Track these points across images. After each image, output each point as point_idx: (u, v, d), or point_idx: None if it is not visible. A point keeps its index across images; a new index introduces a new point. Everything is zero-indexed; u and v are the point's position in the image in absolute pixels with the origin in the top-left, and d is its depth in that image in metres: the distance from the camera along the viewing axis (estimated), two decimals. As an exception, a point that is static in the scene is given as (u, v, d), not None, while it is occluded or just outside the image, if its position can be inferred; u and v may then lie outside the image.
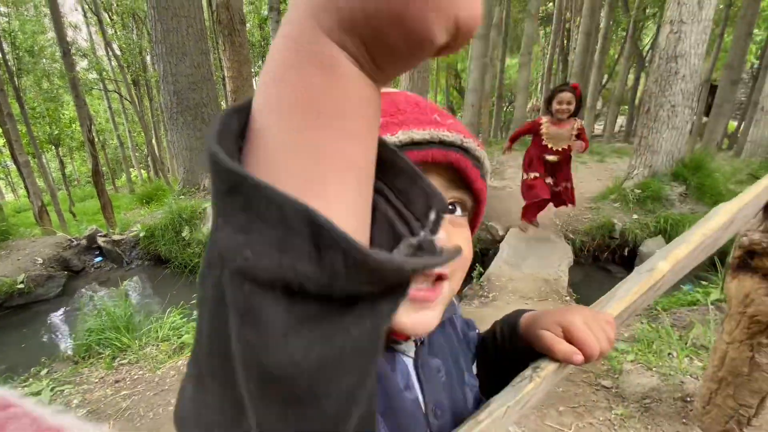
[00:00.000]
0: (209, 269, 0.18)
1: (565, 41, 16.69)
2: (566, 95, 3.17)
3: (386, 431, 0.36)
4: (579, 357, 0.42)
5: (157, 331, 2.63)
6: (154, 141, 17.43)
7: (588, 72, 12.98)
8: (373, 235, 0.21)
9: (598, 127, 19.27)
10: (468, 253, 0.40)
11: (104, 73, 16.04)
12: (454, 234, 0.39)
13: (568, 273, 3.41)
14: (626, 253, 4.31)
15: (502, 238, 4.25)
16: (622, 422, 1.54)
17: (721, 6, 11.49)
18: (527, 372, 0.43)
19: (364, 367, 0.19)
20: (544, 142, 3.38)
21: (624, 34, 14.70)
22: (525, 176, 3.69)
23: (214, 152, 0.16)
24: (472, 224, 0.44)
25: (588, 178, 6.81)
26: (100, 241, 4.57)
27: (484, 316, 2.66)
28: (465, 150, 0.37)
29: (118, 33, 13.84)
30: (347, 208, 0.18)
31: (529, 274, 3.32)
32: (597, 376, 1.84)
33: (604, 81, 16.03)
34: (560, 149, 3.38)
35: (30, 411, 0.26)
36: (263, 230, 0.15)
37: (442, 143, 0.36)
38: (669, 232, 4.06)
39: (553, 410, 1.66)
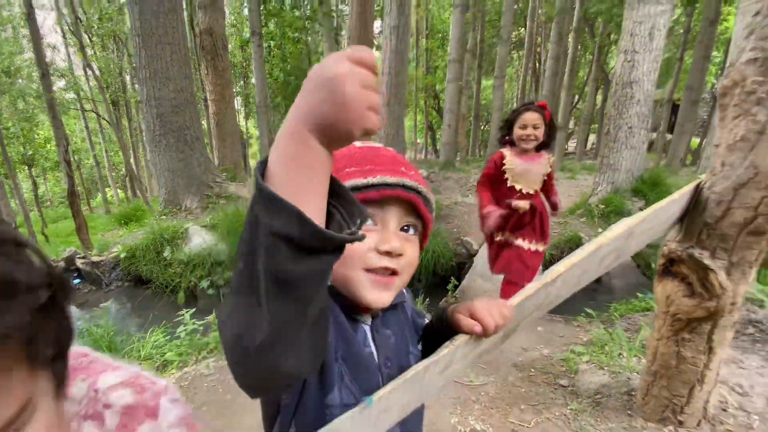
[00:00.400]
0: (247, 232, 0.37)
1: (537, 64, 17.53)
2: (531, 116, 2.27)
3: (347, 372, 0.54)
4: (477, 328, 0.57)
5: (139, 350, 2.67)
6: (132, 161, 17.21)
7: (558, 93, 13.66)
8: (331, 227, 0.40)
9: (572, 144, 20.09)
10: (415, 260, 0.60)
11: (82, 93, 15.88)
12: (407, 246, 0.58)
13: (538, 284, 3.61)
14: (593, 265, 4.57)
15: (476, 252, 4.45)
16: (576, 416, 1.70)
17: (681, 31, 12.34)
18: (446, 343, 0.59)
19: (320, 282, 0.39)
20: (509, 183, 2.40)
21: (591, 57, 15.58)
22: (497, 236, 2.58)
23: (268, 191, 0.34)
24: (421, 242, 0.63)
25: (560, 194, 7.17)
26: (79, 262, 4.55)
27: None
28: (419, 192, 0.58)
29: (98, 54, 13.81)
30: (314, 210, 0.36)
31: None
32: (555, 376, 2.00)
33: (574, 102, 16.85)
34: (533, 191, 2.39)
35: (101, 357, 0.40)
36: (284, 217, 0.34)
37: (405, 186, 0.56)
38: (631, 244, 4.34)
39: (516, 408, 1.81)
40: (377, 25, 8.72)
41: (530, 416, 1.74)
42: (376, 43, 9.08)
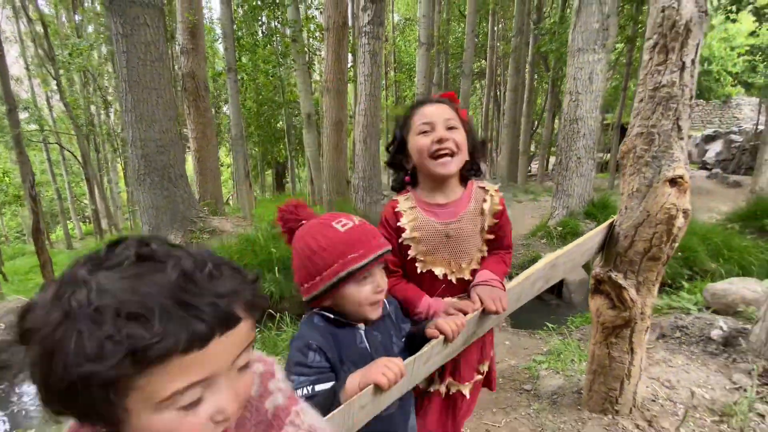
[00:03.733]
0: None
1: (498, 93, 18.74)
2: (435, 110, 1.16)
3: (351, 367, 0.85)
4: (435, 332, 0.92)
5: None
6: (98, 194, 16.76)
7: (519, 120, 14.68)
8: None
9: (534, 166, 21.31)
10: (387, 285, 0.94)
11: (46, 126, 15.53)
12: (384, 281, 0.92)
13: (506, 303, 4.00)
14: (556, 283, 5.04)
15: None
16: (537, 414, 2.03)
17: (623, 61, 13.58)
18: (426, 344, 0.92)
19: None
20: (419, 269, 1.18)
21: (547, 87, 16.87)
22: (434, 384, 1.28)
23: None
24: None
25: (521, 215, 7.70)
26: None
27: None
28: (386, 251, 0.91)
29: (66, 88, 13.68)
30: None
31: (474, 306, 3.87)
32: (521, 382, 2.35)
33: (534, 127, 18.04)
34: (468, 273, 1.20)
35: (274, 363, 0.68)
36: None
37: (377, 256, 0.89)
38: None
39: (488, 412, 2.13)
40: (349, 58, 9.27)
41: (501, 417, 2.07)
42: (351, 73, 9.62)
